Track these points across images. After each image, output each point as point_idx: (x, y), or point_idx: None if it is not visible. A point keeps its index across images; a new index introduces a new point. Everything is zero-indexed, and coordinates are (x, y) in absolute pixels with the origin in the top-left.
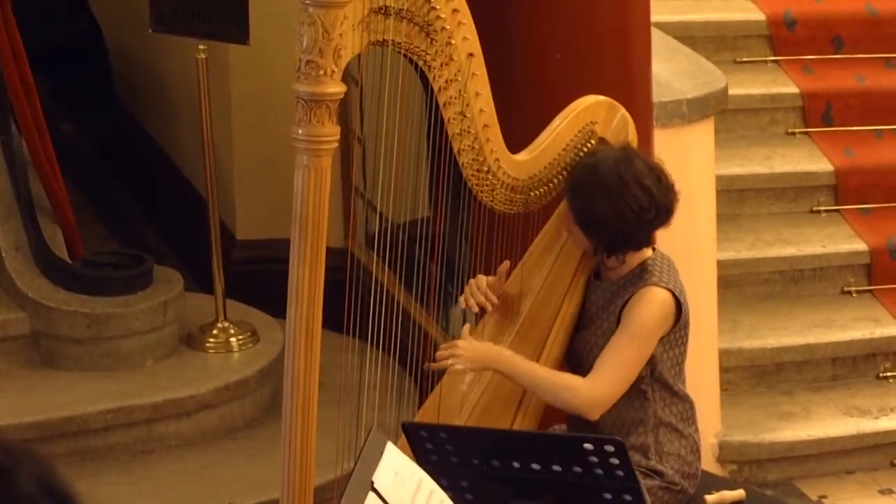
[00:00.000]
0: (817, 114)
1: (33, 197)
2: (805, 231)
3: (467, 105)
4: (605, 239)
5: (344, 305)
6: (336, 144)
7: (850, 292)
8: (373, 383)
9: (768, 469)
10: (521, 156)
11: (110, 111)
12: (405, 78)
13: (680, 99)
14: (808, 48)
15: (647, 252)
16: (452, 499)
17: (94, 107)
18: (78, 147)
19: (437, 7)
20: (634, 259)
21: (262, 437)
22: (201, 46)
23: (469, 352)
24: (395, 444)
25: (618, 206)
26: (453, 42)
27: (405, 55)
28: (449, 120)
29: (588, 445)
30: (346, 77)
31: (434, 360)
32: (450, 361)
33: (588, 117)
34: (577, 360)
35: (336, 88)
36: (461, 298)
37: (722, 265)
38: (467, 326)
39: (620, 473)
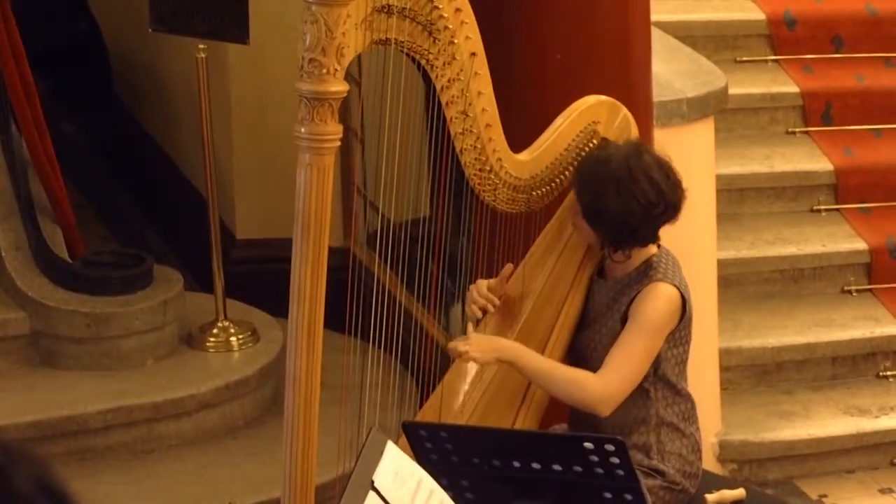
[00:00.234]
0: (817, 113)
1: (33, 197)
2: (805, 230)
3: (469, 104)
4: (611, 232)
5: (344, 305)
6: (339, 143)
7: (850, 291)
8: (373, 382)
9: (768, 468)
10: (523, 155)
11: (110, 111)
12: (405, 77)
13: (680, 98)
14: (808, 47)
15: (653, 249)
16: (453, 498)
17: (94, 107)
18: (78, 147)
19: (440, 6)
20: (639, 256)
21: (262, 437)
22: (201, 46)
23: (484, 343)
24: (396, 443)
25: (626, 200)
26: (456, 41)
27: (408, 54)
28: (451, 119)
29: (588, 445)
30: (346, 76)
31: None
32: (463, 348)
33: (590, 117)
34: (579, 358)
35: (339, 87)
36: (467, 308)
37: (722, 264)
38: (470, 326)
39: (621, 473)
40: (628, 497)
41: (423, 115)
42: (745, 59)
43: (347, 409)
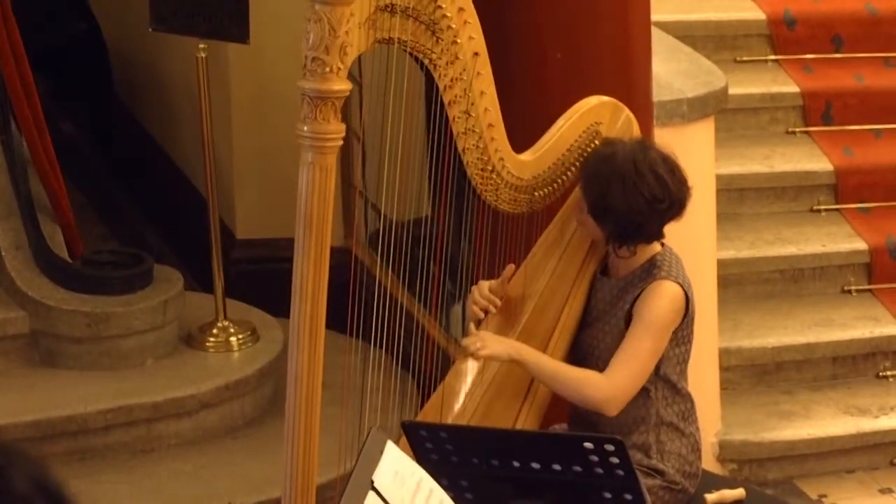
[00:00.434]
0: (817, 113)
1: (33, 196)
2: (805, 230)
3: (472, 104)
4: (617, 228)
5: (344, 305)
6: (341, 142)
7: (849, 291)
8: (373, 382)
9: (768, 468)
10: (526, 156)
11: (110, 111)
12: (406, 77)
13: (680, 98)
14: (808, 47)
15: (657, 247)
16: (453, 498)
17: (94, 106)
18: (78, 146)
19: (444, 6)
20: (644, 254)
21: (262, 437)
22: (201, 45)
23: (496, 341)
24: (396, 443)
25: (631, 195)
26: (459, 41)
27: (410, 53)
28: (454, 118)
29: (588, 444)
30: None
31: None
32: (478, 345)
33: (592, 118)
34: (581, 356)
35: (342, 86)
36: (468, 309)
37: (722, 264)
38: (472, 326)
39: (620, 473)
40: (628, 497)
41: (424, 114)
42: (744, 58)
43: (347, 409)
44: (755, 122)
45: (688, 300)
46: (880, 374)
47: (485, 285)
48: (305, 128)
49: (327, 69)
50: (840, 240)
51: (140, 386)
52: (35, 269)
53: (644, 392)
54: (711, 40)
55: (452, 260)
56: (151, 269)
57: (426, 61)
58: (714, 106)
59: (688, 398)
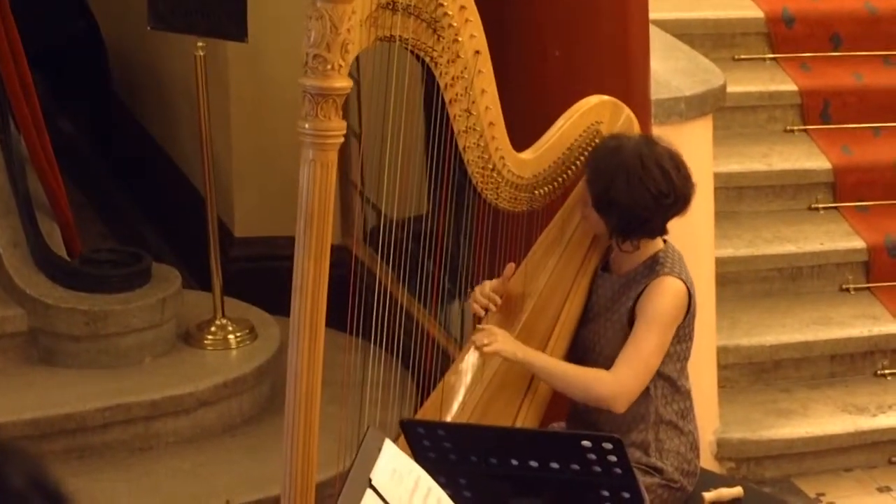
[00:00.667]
0: (815, 111)
1: (31, 194)
2: (803, 228)
3: (473, 102)
4: (621, 222)
5: (342, 302)
6: (342, 139)
7: (848, 290)
8: (372, 380)
9: (766, 466)
10: (526, 154)
11: (109, 109)
12: (404, 74)
13: (678, 96)
14: (807, 46)
15: (659, 244)
16: (450, 496)
17: (93, 105)
18: (76, 145)
19: (445, 4)
20: (646, 251)
21: (260, 435)
22: (200, 44)
23: (505, 338)
24: (395, 441)
25: (637, 189)
26: (460, 39)
27: (412, 51)
28: (454, 117)
29: (586, 443)
30: None
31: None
32: (486, 340)
33: (593, 117)
34: (582, 352)
35: (343, 83)
36: (471, 306)
37: (720, 262)
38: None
39: (618, 471)
40: (626, 495)
41: (422, 112)
42: (743, 57)
43: (346, 407)
44: (753, 121)
45: (690, 297)
46: (878, 372)
47: (487, 285)
48: (306, 125)
49: (329, 66)
50: (838, 238)
51: (138, 384)
52: (33, 268)
53: (644, 390)
54: (710, 38)
55: (452, 258)
56: (150, 268)
57: (427, 59)
58: (712, 104)
59: (687, 396)
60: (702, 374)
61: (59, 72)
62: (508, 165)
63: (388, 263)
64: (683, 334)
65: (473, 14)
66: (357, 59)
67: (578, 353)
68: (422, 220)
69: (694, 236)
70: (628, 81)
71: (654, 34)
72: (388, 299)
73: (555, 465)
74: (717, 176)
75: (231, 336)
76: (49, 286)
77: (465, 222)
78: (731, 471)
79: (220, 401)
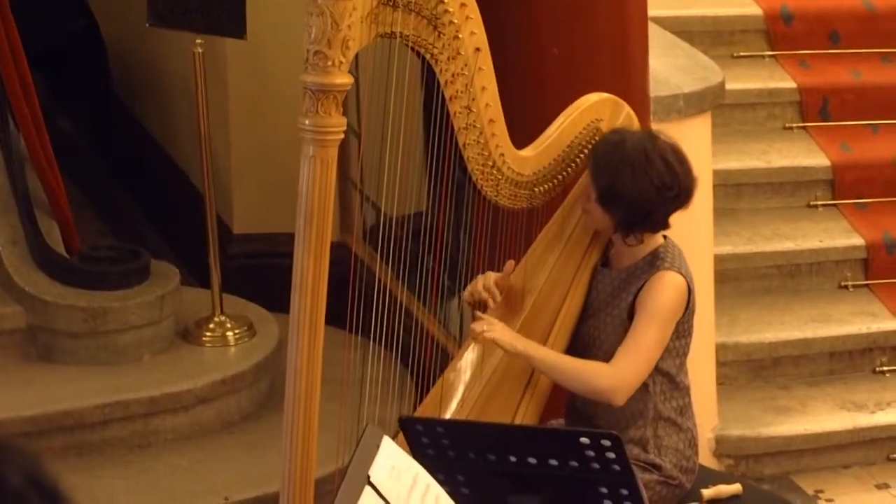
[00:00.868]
0: (814, 108)
1: (30, 192)
2: (802, 226)
3: (473, 99)
4: (625, 215)
5: (340, 299)
6: (342, 135)
7: (846, 287)
8: (371, 377)
9: (765, 463)
10: (526, 151)
11: (108, 108)
12: (402, 71)
13: (677, 93)
14: (806, 43)
15: (659, 239)
16: (449, 493)
17: (92, 104)
18: (76, 143)
19: (445, 1)
20: (647, 246)
21: (258, 431)
22: (198, 41)
23: (504, 328)
24: (393, 438)
25: (642, 182)
26: (461, 36)
27: (412, 48)
28: (455, 114)
29: (585, 440)
30: None
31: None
32: (484, 327)
33: (593, 114)
34: (583, 348)
35: (344, 79)
36: (465, 292)
37: (719, 259)
38: (478, 314)
39: (617, 468)
40: (624, 492)
41: (420, 109)
42: (742, 54)
43: (345, 403)
44: (752, 118)
45: (690, 292)
46: (877, 369)
47: (490, 276)
48: (307, 121)
49: (329, 63)
50: (837, 235)
51: (137, 381)
52: (32, 265)
53: (643, 386)
54: (708, 36)
55: (451, 255)
56: (148, 265)
57: (428, 56)
58: (711, 101)
59: (686, 393)
60: (701, 371)
61: (59, 71)
62: (508, 162)
63: (387, 261)
64: (683, 330)
65: (474, 11)
66: (356, 57)
67: (579, 348)
68: (421, 217)
69: (693, 233)
70: (627, 79)
71: (653, 31)
72: (387, 297)
73: (553, 462)
74: (715, 173)
75: (230, 333)
76: (48, 283)
77: (464, 219)
78: (729, 468)
79: (219, 398)
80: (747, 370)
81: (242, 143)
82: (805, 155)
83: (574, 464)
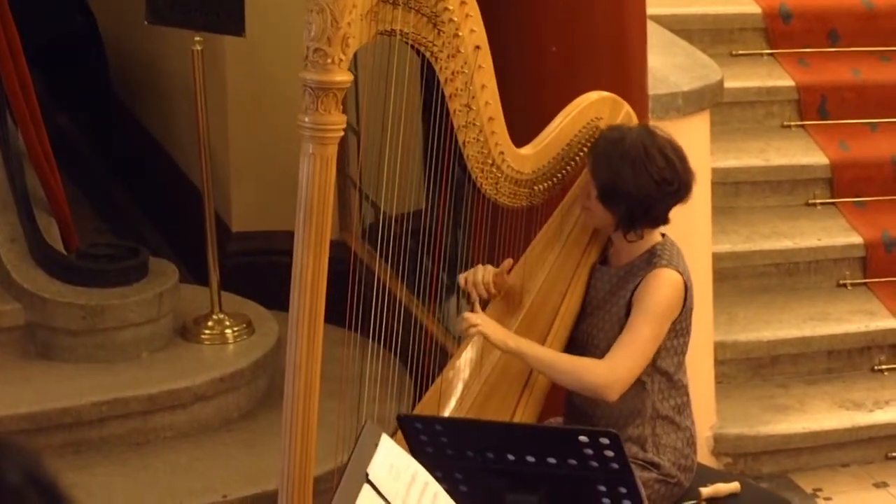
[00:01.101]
0: (813, 107)
1: (29, 190)
2: (800, 224)
3: (473, 97)
4: (626, 211)
5: (339, 297)
6: (342, 133)
7: (845, 285)
8: (369, 375)
9: (763, 462)
10: (526, 150)
11: (107, 104)
12: (402, 69)
13: (676, 92)
14: (804, 41)
15: (657, 237)
16: (447, 491)
17: (91, 100)
18: (74, 141)
19: None
20: (645, 243)
21: (256, 429)
22: (197, 39)
23: (494, 325)
24: (392, 436)
25: (642, 177)
26: (460, 34)
27: (412, 46)
28: (454, 112)
29: (583, 438)
30: None
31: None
32: (475, 320)
33: (593, 113)
34: (581, 347)
35: (343, 77)
36: (459, 277)
37: (717, 258)
38: (477, 307)
39: (615, 466)
40: (623, 490)
41: (420, 107)
42: (740, 52)
43: (344, 401)
44: (751, 116)
45: (687, 290)
46: (875, 367)
47: (490, 272)
48: (306, 119)
49: (329, 60)
50: (835, 234)
51: (135, 378)
52: (30, 262)
53: (640, 385)
54: (707, 34)
55: (450, 254)
56: (147, 262)
57: (427, 54)
58: (710, 99)
59: (684, 391)
60: (699, 370)
61: (57, 68)
62: (508, 161)
63: (386, 259)
64: (681, 328)
65: (474, 9)
66: (356, 54)
67: (577, 347)
68: (420, 215)
69: (691, 232)
70: (626, 77)
71: (652, 30)
72: (386, 295)
73: (552, 460)
74: (714, 171)
75: (228, 331)
76: (46, 281)
77: (463, 218)
78: (728, 466)
79: (217, 395)
80: (746, 369)
81: (241, 141)
82: (803, 153)
83: (572, 462)
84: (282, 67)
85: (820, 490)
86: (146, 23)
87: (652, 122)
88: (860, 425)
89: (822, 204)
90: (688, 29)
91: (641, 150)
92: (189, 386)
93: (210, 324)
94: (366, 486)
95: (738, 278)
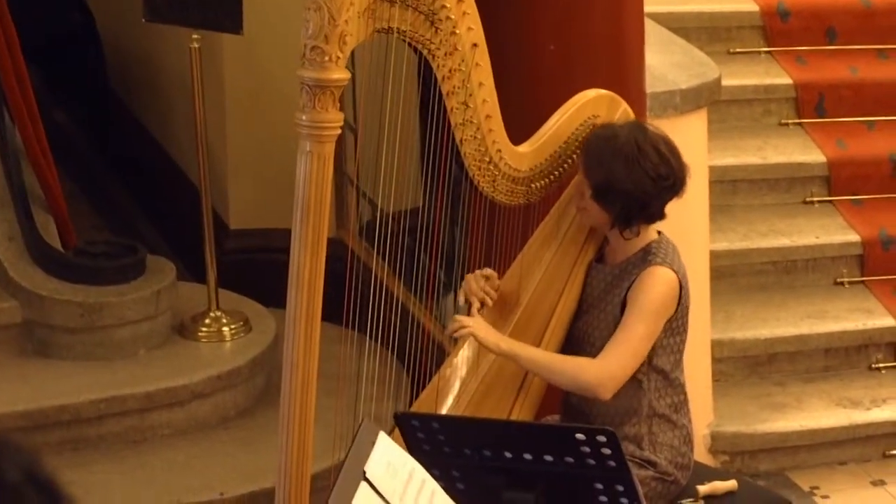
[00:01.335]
0: (810, 105)
1: (26, 187)
2: (798, 222)
3: (470, 95)
4: (622, 209)
5: (336, 295)
6: (339, 131)
7: (842, 283)
8: (366, 373)
9: (760, 460)
10: (523, 147)
11: (104, 102)
12: (399, 66)
13: (673, 90)
14: (802, 39)
15: (653, 234)
16: (444, 489)
17: (88, 97)
18: (71, 137)
19: None
20: (640, 241)
21: (254, 427)
22: (195, 36)
23: (485, 327)
24: (389, 434)
25: (637, 174)
26: (458, 31)
27: (409, 44)
28: (452, 109)
29: (580, 436)
30: None
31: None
32: (467, 322)
33: (590, 111)
34: (577, 345)
35: (341, 75)
36: (460, 293)
37: (715, 256)
38: (474, 310)
39: (612, 464)
40: (620, 488)
41: (417, 105)
42: (738, 50)
43: (341, 399)
44: (748, 114)
45: (682, 288)
46: (872, 366)
47: (481, 279)
48: (304, 117)
49: (326, 58)
50: (833, 232)
51: (133, 376)
52: (28, 260)
53: (636, 383)
54: (705, 32)
55: (447, 251)
56: (144, 260)
57: (425, 52)
58: (707, 97)
59: (680, 389)
60: (696, 368)
61: (55, 64)
62: (505, 158)
63: (383, 257)
64: (677, 327)
65: (471, 6)
66: (353, 52)
67: (572, 345)
68: (418, 213)
69: (689, 229)
70: (624, 75)
71: (650, 28)
72: (383, 292)
73: (549, 458)
74: (711, 169)
75: (225, 328)
76: (44, 278)
77: (461, 215)
78: (725, 464)
79: (215, 393)
80: (743, 366)
81: (239, 139)
82: (801, 151)
83: (569, 460)
84: (279, 65)
85: (817, 488)
86: (144, 20)
87: (649, 120)
88: (858, 423)
89: (819, 202)
90: (685, 27)
91: (634, 147)
92: (186, 383)
93: (207, 321)
94: (363, 484)
95: (736, 276)
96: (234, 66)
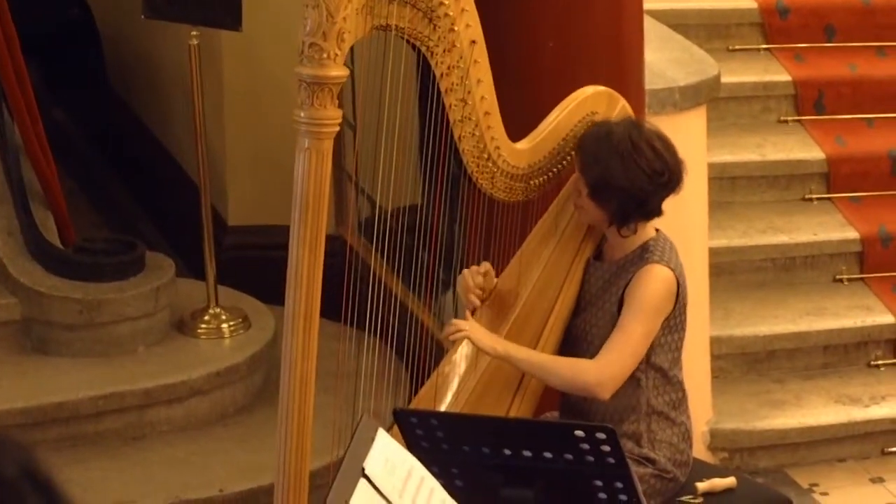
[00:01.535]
0: (809, 102)
1: (25, 183)
2: (797, 219)
3: (469, 92)
4: (619, 206)
5: (334, 291)
6: (338, 128)
7: (841, 280)
8: (365, 370)
9: (759, 457)
10: (522, 144)
11: (103, 98)
12: (398, 63)
13: (672, 87)
14: (801, 36)
15: (651, 232)
16: (443, 486)
17: (87, 94)
18: (70, 134)
19: None
20: (637, 239)
21: (252, 424)
22: (193, 33)
23: (481, 331)
24: (388, 431)
25: (633, 171)
26: (456, 29)
27: (407, 41)
28: (450, 106)
29: (579, 433)
30: None
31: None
32: (463, 326)
33: (589, 107)
34: (575, 343)
35: (339, 72)
36: (462, 295)
37: (714, 253)
38: (468, 314)
39: (611, 461)
40: (619, 485)
41: (416, 102)
42: (737, 47)
43: (340, 396)
44: (747, 111)
45: (679, 286)
46: (871, 363)
47: (477, 274)
48: (302, 114)
49: (324, 55)
50: (832, 229)
51: (131, 373)
52: (27, 256)
53: (635, 381)
54: (704, 29)
55: (446, 248)
56: (143, 256)
57: (423, 49)
58: (706, 94)
59: (679, 387)
60: (695, 365)
61: (54, 60)
62: (504, 155)
63: (382, 253)
64: (675, 324)
65: (469, 4)
66: (351, 49)
67: (570, 343)
68: (416, 209)
69: (687, 226)
70: (622, 72)
71: (649, 24)
72: (382, 289)
73: (548, 455)
74: (710, 166)
75: (224, 325)
76: (43, 275)
77: (459, 212)
78: (724, 461)
79: (214, 390)
80: (742, 363)
81: (238, 135)
82: (800, 148)
83: (569, 457)
84: (278, 62)
85: (816, 485)
86: (143, 17)
87: (648, 117)
88: (856, 420)
89: (818, 199)
90: (685, 24)
91: (629, 144)
92: (185, 380)
93: (206, 318)
94: (362, 481)
95: (735, 273)
96: (233, 63)
